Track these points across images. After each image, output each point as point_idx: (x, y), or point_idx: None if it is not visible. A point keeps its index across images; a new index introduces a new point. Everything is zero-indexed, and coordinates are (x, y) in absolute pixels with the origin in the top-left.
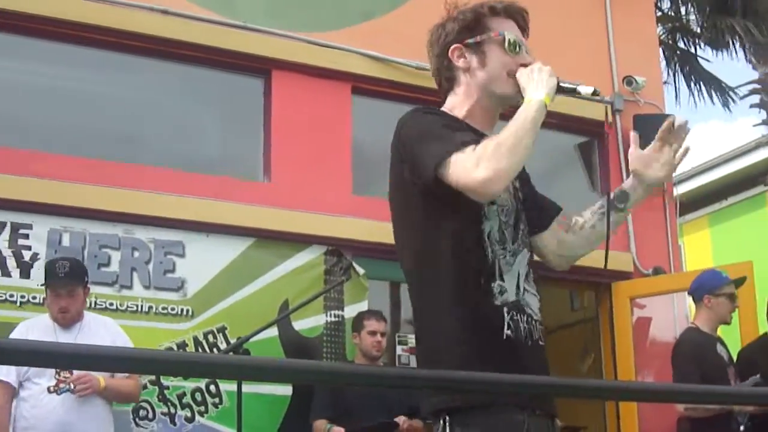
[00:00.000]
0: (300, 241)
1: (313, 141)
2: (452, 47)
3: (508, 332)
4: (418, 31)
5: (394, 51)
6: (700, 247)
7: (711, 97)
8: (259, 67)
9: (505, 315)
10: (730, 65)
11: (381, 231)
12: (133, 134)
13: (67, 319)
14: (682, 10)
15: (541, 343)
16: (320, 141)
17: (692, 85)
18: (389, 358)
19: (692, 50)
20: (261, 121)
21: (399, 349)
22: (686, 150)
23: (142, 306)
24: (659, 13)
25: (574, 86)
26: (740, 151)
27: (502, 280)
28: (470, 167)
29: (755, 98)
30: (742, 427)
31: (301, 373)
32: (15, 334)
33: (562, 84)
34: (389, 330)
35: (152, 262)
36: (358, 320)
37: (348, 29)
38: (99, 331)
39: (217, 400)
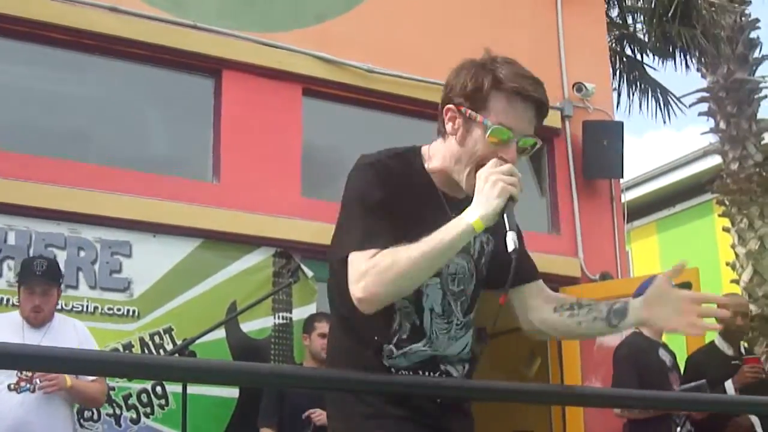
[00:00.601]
0: (248, 242)
1: (263, 142)
2: (447, 106)
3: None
4: (369, 33)
5: (346, 53)
6: (648, 254)
7: (658, 105)
8: (210, 67)
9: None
10: (678, 74)
11: (330, 233)
12: (80, 133)
13: (39, 319)
14: (630, 18)
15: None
16: (270, 142)
17: (638, 93)
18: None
19: (639, 58)
20: (211, 121)
21: None
22: (707, 328)
23: (87, 306)
24: (607, 21)
25: (506, 229)
26: (688, 158)
27: (398, 347)
28: (354, 278)
29: (704, 106)
30: (679, 429)
31: (247, 375)
32: None
33: (507, 214)
34: None
35: (98, 262)
36: (309, 322)
37: (300, 31)
38: (67, 332)
39: (163, 401)
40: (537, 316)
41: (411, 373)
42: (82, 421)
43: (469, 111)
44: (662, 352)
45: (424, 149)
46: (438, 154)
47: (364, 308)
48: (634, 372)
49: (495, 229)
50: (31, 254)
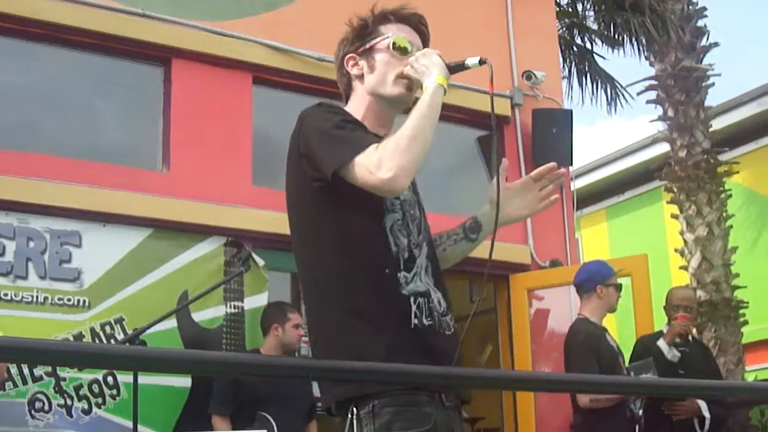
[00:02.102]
0: (199, 231)
1: (213, 131)
2: (347, 57)
3: (416, 321)
4: (319, 22)
5: (296, 42)
6: (597, 240)
7: (606, 94)
8: (159, 55)
9: (412, 304)
10: (627, 62)
11: (281, 222)
12: (28, 122)
13: None
14: (579, 6)
15: (447, 332)
16: (221, 131)
17: (586, 81)
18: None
19: (589, 46)
20: (160, 110)
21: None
22: (554, 201)
23: (37, 297)
24: (557, 9)
25: (462, 61)
26: (637, 146)
27: (408, 270)
28: (373, 169)
29: (652, 94)
30: (638, 413)
31: (198, 363)
32: None
33: (449, 64)
34: None
35: (48, 252)
36: (280, 312)
37: (249, 19)
38: None
39: (114, 391)
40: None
41: (427, 301)
42: (33, 411)
43: (367, 44)
44: (608, 337)
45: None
46: (354, 107)
47: (396, 185)
48: (593, 358)
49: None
50: None
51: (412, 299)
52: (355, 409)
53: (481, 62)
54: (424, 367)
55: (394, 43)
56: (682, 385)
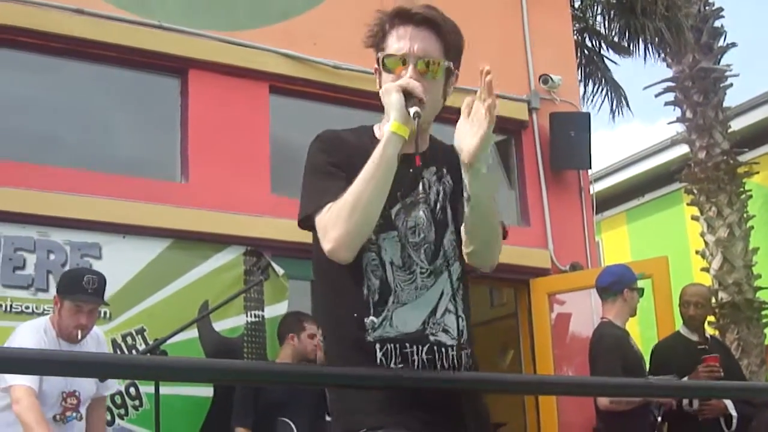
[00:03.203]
0: (218, 241)
1: (230, 140)
2: (375, 67)
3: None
4: (334, 30)
5: (311, 50)
6: (618, 243)
7: (609, 101)
8: (176, 66)
9: (377, 351)
10: (640, 64)
11: (300, 230)
12: (48, 136)
13: (81, 337)
14: (592, 10)
15: (451, 368)
16: (238, 140)
17: (595, 87)
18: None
19: (601, 51)
20: (178, 121)
21: None
22: (491, 105)
23: None
24: (571, 13)
25: (409, 110)
26: (656, 148)
27: (377, 315)
28: (322, 235)
29: (670, 96)
30: (659, 419)
31: (220, 372)
32: (26, 340)
33: (409, 105)
34: None
35: (68, 265)
36: (296, 322)
37: (265, 28)
38: (91, 344)
39: (137, 402)
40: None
41: (399, 347)
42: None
43: (378, 54)
44: (633, 342)
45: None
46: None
47: (339, 257)
48: (619, 362)
49: (453, 171)
50: (0, 258)
51: (377, 345)
52: None
53: (414, 115)
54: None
55: (381, 63)
56: (707, 387)
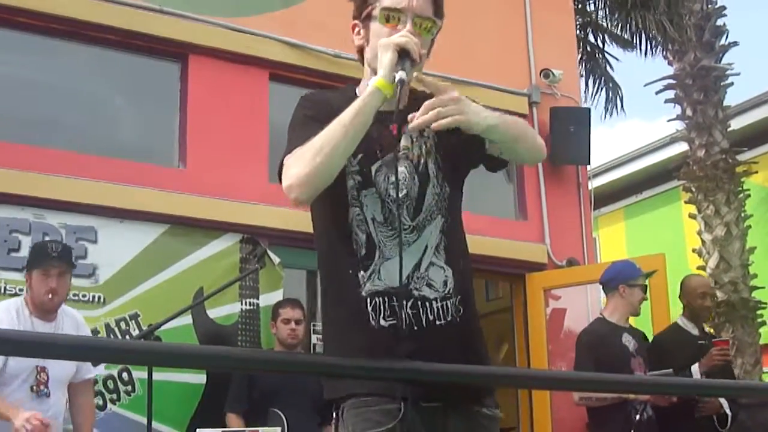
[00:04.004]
0: (215, 228)
1: (229, 127)
2: (352, 23)
3: (372, 323)
4: (336, 18)
5: (312, 38)
6: (615, 240)
7: (607, 95)
8: (176, 51)
9: (368, 305)
10: (643, 60)
11: (297, 219)
12: (46, 118)
13: (54, 303)
14: (592, 5)
15: (439, 323)
16: (237, 127)
17: (594, 82)
18: (305, 347)
19: (602, 46)
20: (177, 106)
21: (314, 338)
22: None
23: None
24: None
25: (395, 75)
26: (655, 145)
27: (365, 269)
28: (284, 175)
29: (670, 94)
30: (638, 416)
31: (213, 359)
32: None
33: (402, 66)
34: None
35: None
36: (274, 309)
37: (266, 15)
38: (68, 323)
39: (129, 387)
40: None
41: (387, 300)
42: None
43: (364, 12)
44: (626, 338)
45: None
46: (363, 79)
47: (292, 194)
48: (591, 359)
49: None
50: None
51: (368, 300)
52: (337, 411)
53: (400, 81)
54: (423, 364)
55: (379, 13)
56: (686, 384)
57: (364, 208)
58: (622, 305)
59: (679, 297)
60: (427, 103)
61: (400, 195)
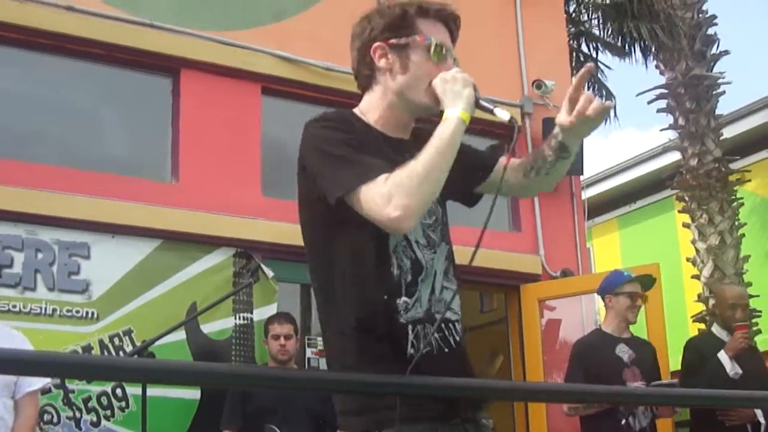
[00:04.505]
0: (208, 242)
1: (222, 141)
2: (375, 45)
3: (411, 350)
4: (328, 32)
5: (304, 52)
6: (610, 249)
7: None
8: (168, 66)
9: (410, 333)
10: (635, 70)
11: (291, 233)
12: (38, 133)
13: None
14: (586, 15)
15: (454, 346)
16: (229, 141)
17: (585, 89)
18: (299, 361)
19: (595, 55)
20: (169, 120)
21: (309, 352)
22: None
23: (45, 308)
24: (565, 17)
25: (491, 107)
26: (648, 155)
27: (409, 296)
28: (381, 203)
29: (662, 103)
30: (624, 420)
31: (206, 375)
32: None
33: (480, 99)
34: (299, 332)
35: (56, 264)
36: (265, 325)
37: (258, 29)
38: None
39: (123, 404)
40: (518, 185)
41: (424, 326)
42: (42, 423)
43: (403, 38)
44: (621, 348)
45: (355, 110)
46: (373, 102)
47: (402, 226)
48: (581, 369)
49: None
50: None
51: (410, 327)
52: None
53: (510, 121)
54: (437, 379)
55: (435, 47)
56: (675, 395)
57: (408, 233)
58: (612, 315)
59: (713, 306)
60: (590, 96)
61: (429, 220)
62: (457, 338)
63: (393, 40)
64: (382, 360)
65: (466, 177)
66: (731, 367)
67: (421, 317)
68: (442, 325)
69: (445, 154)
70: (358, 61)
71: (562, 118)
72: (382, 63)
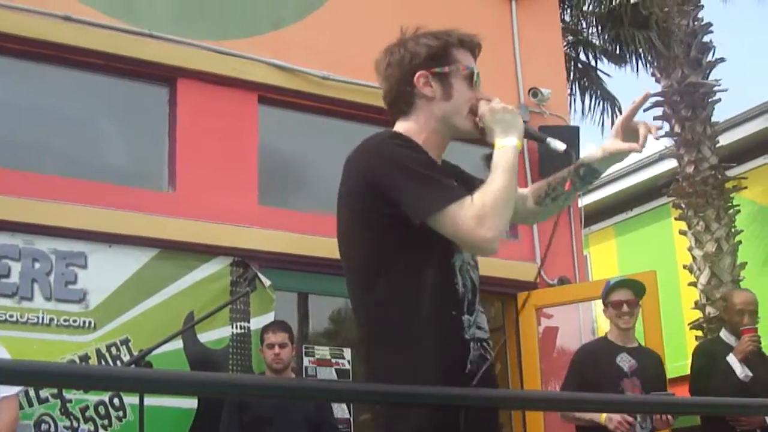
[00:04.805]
0: (205, 252)
1: (219, 150)
2: (419, 73)
3: (470, 367)
4: (324, 41)
5: (301, 60)
6: (606, 257)
7: (605, 113)
8: (164, 75)
9: (471, 350)
10: (632, 78)
11: (288, 241)
12: (34, 143)
13: None
14: (584, 23)
15: (488, 364)
16: (226, 150)
17: (590, 99)
18: (298, 370)
19: (594, 63)
20: (166, 130)
21: (306, 361)
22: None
23: (43, 318)
24: (561, 26)
25: (545, 137)
26: (644, 162)
27: (470, 314)
28: (474, 224)
29: (659, 111)
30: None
31: (204, 385)
32: None
33: (530, 130)
34: (296, 341)
35: (53, 274)
36: (261, 334)
37: (255, 38)
38: None
39: (120, 413)
40: (526, 212)
41: (480, 344)
42: None
43: (446, 67)
44: (623, 358)
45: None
46: (413, 127)
47: (494, 246)
48: (577, 377)
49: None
50: None
51: (472, 344)
52: None
53: (566, 152)
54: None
55: (476, 76)
56: (672, 403)
57: (464, 253)
58: (611, 324)
59: (723, 311)
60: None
61: None
62: (491, 356)
63: (436, 69)
64: (446, 375)
65: None
66: (741, 370)
67: (480, 336)
68: (482, 344)
69: (513, 180)
70: (397, 89)
71: (610, 144)
72: (426, 91)
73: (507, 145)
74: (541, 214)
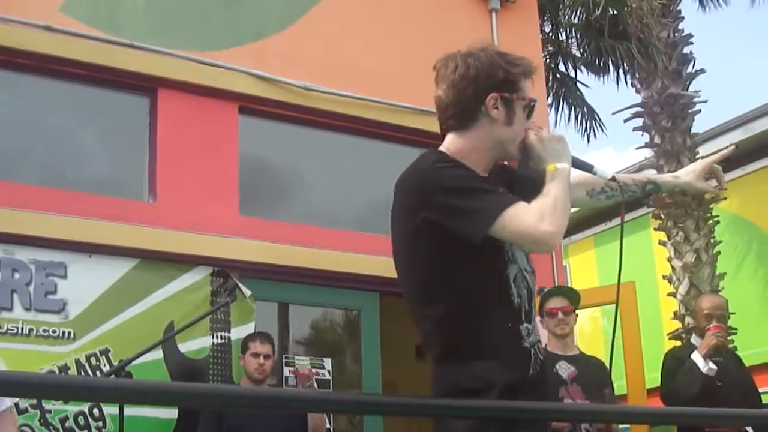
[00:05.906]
0: (185, 262)
1: (199, 161)
2: (492, 95)
3: (532, 371)
4: (306, 51)
5: (282, 71)
6: (586, 267)
7: (583, 123)
8: (145, 85)
9: (532, 357)
10: (612, 89)
11: (268, 251)
12: (14, 152)
13: None
14: (563, 34)
15: (541, 366)
16: (207, 161)
17: (568, 111)
18: (277, 381)
19: (574, 74)
20: (146, 140)
21: (286, 371)
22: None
23: (22, 328)
24: (541, 37)
25: (591, 165)
26: (624, 173)
27: (528, 322)
28: (535, 221)
29: (639, 122)
30: None
31: (184, 395)
32: None
33: (577, 158)
34: (277, 352)
35: (33, 284)
36: (244, 342)
37: (235, 48)
38: None
39: (100, 423)
40: (574, 198)
41: (538, 348)
42: None
43: (514, 95)
44: (561, 366)
45: (443, 151)
46: (466, 144)
47: (555, 241)
48: None
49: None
50: None
51: (532, 351)
52: None
53: (612, 179)
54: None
55: (532, 108)
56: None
57: (519, 262)
58: (549, 335)
59: (693, 316)
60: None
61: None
62: (542, 359)
63: (506, 94)
64: (513, 384)
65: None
66: (704, 364)
67: (538, 339)
68: (538, 346)
69: (568, 195)
70: (466, 103)
71: (694, 180)
72: (493, 113)
73: (560, 168)
74: (585, 204)
